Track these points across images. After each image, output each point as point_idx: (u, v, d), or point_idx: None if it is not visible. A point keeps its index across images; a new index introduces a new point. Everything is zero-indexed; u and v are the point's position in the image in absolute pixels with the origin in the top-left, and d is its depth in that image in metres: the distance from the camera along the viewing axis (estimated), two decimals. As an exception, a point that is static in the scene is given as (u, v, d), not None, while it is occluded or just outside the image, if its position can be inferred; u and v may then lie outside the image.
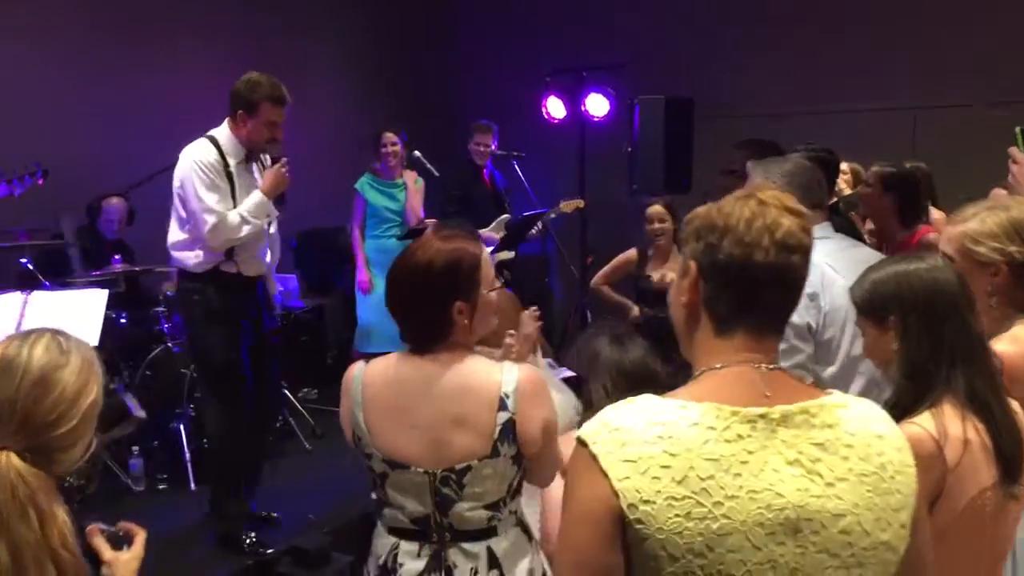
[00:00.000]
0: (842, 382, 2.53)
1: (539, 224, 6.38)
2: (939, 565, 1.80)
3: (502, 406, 2.04)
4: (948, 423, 1.82)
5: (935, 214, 4.32)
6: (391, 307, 2.15)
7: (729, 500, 1.23)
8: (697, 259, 1.37)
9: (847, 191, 4.77)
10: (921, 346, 1.89)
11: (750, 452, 1.26)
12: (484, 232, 6.23)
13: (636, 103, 6.52)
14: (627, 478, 1.24)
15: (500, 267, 6.30)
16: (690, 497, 1.23)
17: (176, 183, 3.98)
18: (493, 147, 6.42)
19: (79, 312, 4.42)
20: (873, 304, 1.98)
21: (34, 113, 5.53)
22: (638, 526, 1.24)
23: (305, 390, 6.39)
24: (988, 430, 1.84)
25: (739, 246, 1.32)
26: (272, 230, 4.25)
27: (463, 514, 2.07)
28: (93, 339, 4.37)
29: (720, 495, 1.23)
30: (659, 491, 1.23)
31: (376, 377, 2.13)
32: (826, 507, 1.26)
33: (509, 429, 2.04)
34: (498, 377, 2.06)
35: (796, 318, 2.50)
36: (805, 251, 1.34)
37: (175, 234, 4.06)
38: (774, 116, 6.76)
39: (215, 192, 3.91)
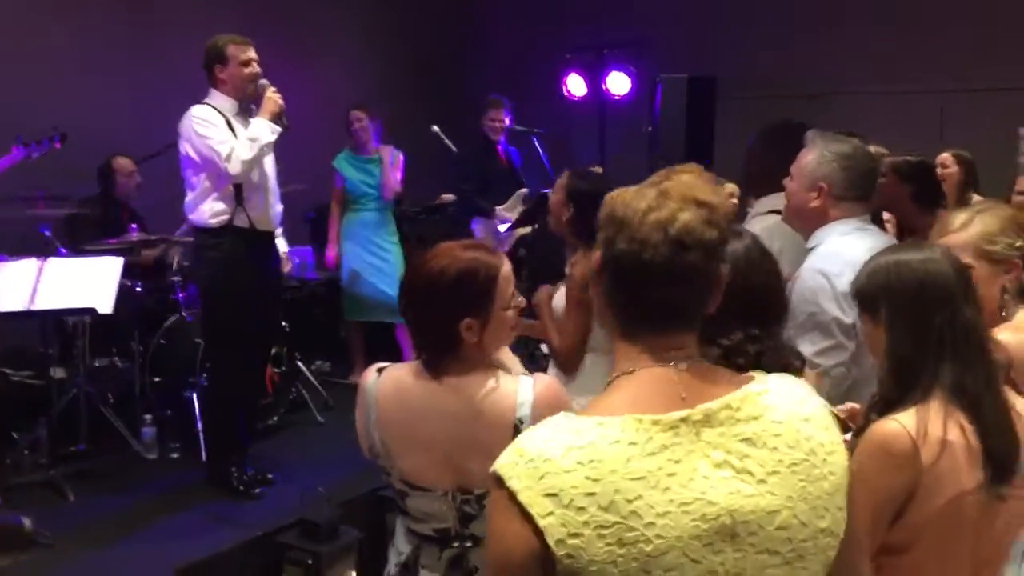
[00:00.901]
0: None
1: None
2: (914, 568, 1.75)
3: (516, 432, 1.86)
4: (931, 421, 1.74)
5: (977, 200, 4.27)
6: (403, 313, 2.04)
7: (661, 518, 1.16)
8: (600, 250, 1.30)
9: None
10: (905, 339, 1.81)
11: (676, 462, 1.18)
12: (500, 210, 6.19)
13: (658, 81, 6.42)
14: (550, 514, 1.15)
15: (518, 244, 6.27)
16: (620, 523, 1.15)
17: (182, 146, 4.23)
18: (507, 122, 6.38)
19: (94, 279, 4.43)
20: (865, 296, 1.91)
21: (51, 82, 5.52)
22: (568, 561, 1.15)
23: (319, 362, 6.38)
24: (976, 429, 1.75)
25: (631, 242, 1.24)
26: (268, 184, 4.40)
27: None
28: (108, 307, 4.37)
29: (651, 515, 1.16)
30: (586, 522, 1.15)
31: (389, 393, 2.00)
32: (760, 506, 1.20)
33: None
34: (512, 401, 1.92)
35: (843, 316, 2.42)
36: (706, 247, 1.24)
37: (189, 195, 4.29)
38: (799, 97, 6.67)
39: (217, 129, 4.14)
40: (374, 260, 6.01)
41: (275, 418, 5.34)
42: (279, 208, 4.50)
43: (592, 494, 1.15)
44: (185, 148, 4.22)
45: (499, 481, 1.20)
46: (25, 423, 4.79)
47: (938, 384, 1.78)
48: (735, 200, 4.10)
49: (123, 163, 5.55)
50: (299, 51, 6.84)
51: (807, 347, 2.45)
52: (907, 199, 3.92)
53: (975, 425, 1.75)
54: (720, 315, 1.93)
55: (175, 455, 4.94)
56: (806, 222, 2.64)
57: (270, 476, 4.54)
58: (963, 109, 6.39)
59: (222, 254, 4.25)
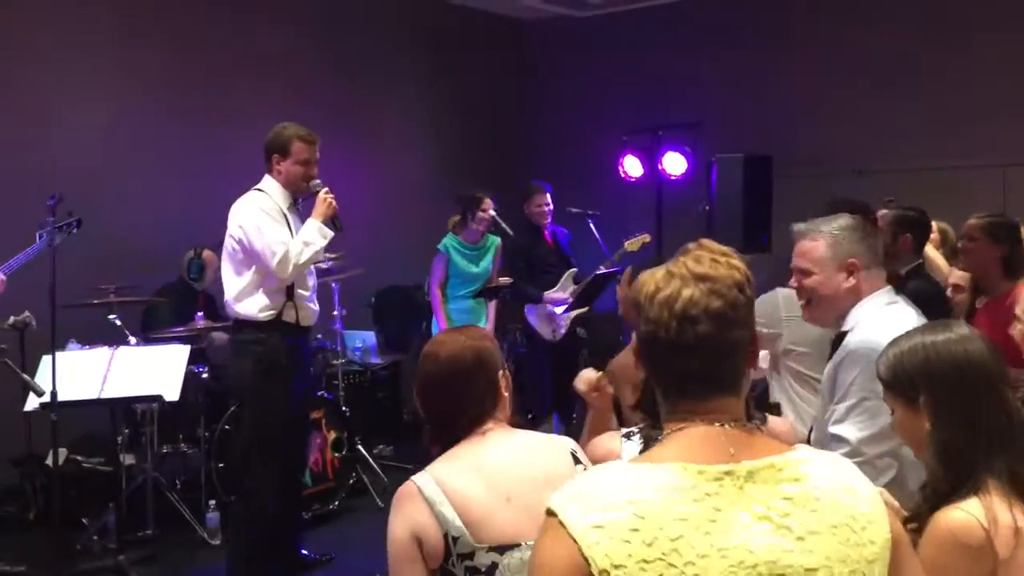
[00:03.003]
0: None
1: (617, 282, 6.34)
2: None
3: (576, 460, 2.07)
4: (997, 510, 1.67)
5: None
6: (439, 409, 2.15)
7: (701, 559, 1.22)
8: (637, 334, 1.41)
9: (934, 254, 4.62)
10: (955, 428, 1.74)
11: (718, 510, 1.25)
12: (550, 294, 6.21)
13: (713, 161, 6.47)
14: (597, 543, 1.23)
15: (575, 324, 6.27)
16: (661, 559, 1.22)
17: (235, 232, 4.11)
18: (551, 205, 6.40)
19: (161, 367, 4.54)
20: (900, 381, 1.83)
21: (115, 177, 5.79)
22: None
23: (380, 447, 6.41)
24: None
25: (647, 323, 1.34)
26: (312, 282, 4.37)
27: None
28: (175, 394, 4.47)
29: (691, 554, 1.22)
30: (630, 555, 1.22)
31: (449, 472, 2.04)
32: (799, 561, 1.25)
33: None
34: (558, 437, 2.13)
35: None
36: (714, 317, 1.30)
37: (234, 285, 4.15)
38: (857, 173, 6.64)
39: (276, 227, 4.08)
40: None
41: (335, 503, 5.36)
42: (317, 306, 4.40)
43: (636, 530, 1.23)
44: (238, 235, 4.11)
45: (550, 513, 1.29)
46: (95, 508, 4.89)
47: (991, 472, 1.71)
48: None
49: (210, 256, 5.65)
50: (358, 135, 7.06)
51: (852, 431, 2.37)
52: (994, 261, 3.88)
53: None
54: None
55: (238, 540, 4.96)
56: (841, 307, 2.55)
57: (323, 557, 4.60)
58: (1019, 183, 6.29)
59: (267, 350, 4.10)
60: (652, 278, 1.36)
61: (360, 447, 5.76)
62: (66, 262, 4.28)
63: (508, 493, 2.00)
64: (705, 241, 1.39)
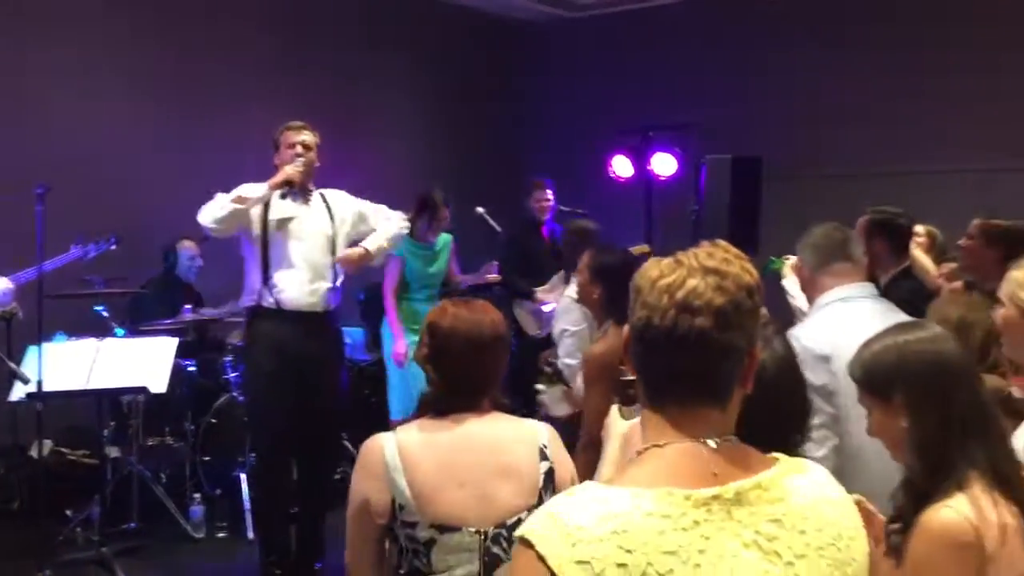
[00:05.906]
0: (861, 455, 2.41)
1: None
2: None
3: (543, 456, 2.12)
4: (984, 507, 1.68)
5: None
6: (449, 371, 2.15)
7: None
8: (629, 322, 1.32)
9: (921, 256, 4.65)
10: (930, 424, 1.76)
11: (707, 538, 1.18)
12: (539, 292, 6.22)
13: (703, 163, 6.49)
14: None
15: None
16: None
17: None
18: (553, 200, 6.46)
19: (148, 359, 4.53)
20: (875, 381, 1.86)
21: (110, 173, 5.79)
22: None
23: (366, 443, 6.39)
24: (1020, 510, 1.71)
25: (643, 308, 1.25)
26: (296, 267, 4.21)
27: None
28: (161, 386, 4.46)
29: None
30: None
31: (413, 442, 2.10)
32: None
33: (550, 479, 2.11)
34: (533, 428, 2.18)
35: (813, 378, 2.39)
36: (718, 313, 1.22)
37: None
38: (847, 177, 6.67)
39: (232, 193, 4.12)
40: None
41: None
42: (322, 286, 4.24)
43: (624, 565, 1.14)
44: None
45: (527, 543, 1.18)
46: (79, 501, 4.87)
47: (973, 465, 1.73)
48: None
49: (186, 245, 5.72)
50: (351, 130, 7.04)
51: None
52: (989, 264, 3.89)
53: (1019, 508, 1.71)
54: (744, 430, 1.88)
55: (222, 534, 4.98)
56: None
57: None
58: (1014, 187, 6.33)
59: (249, 335, 4.27)
60: (657, 265, 1.28)
61: (347, 443, 5.74)
62: (53, 251, 4.27)
63: (463, 478, 2.06)
64: (721, 241, 1.32)
